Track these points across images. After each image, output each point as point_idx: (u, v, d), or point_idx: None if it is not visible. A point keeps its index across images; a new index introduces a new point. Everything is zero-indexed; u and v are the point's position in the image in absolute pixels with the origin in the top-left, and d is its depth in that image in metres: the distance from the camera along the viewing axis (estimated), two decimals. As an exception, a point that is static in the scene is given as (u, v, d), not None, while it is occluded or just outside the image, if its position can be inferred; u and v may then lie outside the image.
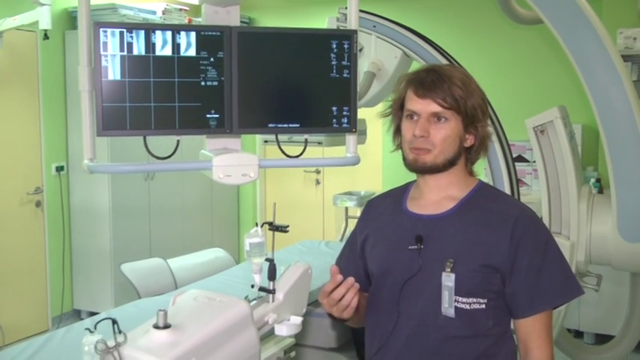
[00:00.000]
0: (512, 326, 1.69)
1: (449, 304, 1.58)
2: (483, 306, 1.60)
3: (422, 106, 1.61)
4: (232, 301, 1.64)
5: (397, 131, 1.70)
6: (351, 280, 1.59)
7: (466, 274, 1.58)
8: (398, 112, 1.69)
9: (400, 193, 1.77)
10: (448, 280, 1.58)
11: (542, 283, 1.60)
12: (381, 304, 1.69)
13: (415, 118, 1.62)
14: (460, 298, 1.58)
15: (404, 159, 1.67)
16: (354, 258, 1.81)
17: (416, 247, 1.63)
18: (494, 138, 2.86)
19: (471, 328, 1.60)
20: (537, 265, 1.60)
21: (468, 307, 1.59)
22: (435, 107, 1.60)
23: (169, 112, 1.61)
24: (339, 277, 1.59)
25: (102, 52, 1.56)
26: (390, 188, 1.86)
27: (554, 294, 1.62)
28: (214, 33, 1.63)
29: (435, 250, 1.62)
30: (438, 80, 1.60)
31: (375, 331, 1.72)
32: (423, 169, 1.64)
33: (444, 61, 2.96)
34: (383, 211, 1.77)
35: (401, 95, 1.67)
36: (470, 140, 1.65)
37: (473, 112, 1.61)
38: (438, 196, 1.68)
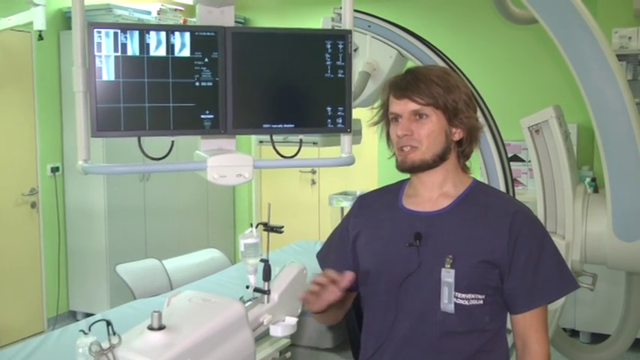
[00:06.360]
0: (508, 323, 1.69)
1: (448, 299, 1.59)
2: (481, 302, 1.61)
3: (401, 107, 1.63)
4: (227, 302, 1.64)
5: (389, 137, 1.71)
6: (349, 275, 1.59)
7: (465, 270, 1.59)
8: (385, 118, 1.71)
9: (395, 191, 1.77)
10: (448, 276, 1.59)
11: (539, 278, 1.62)
12: (379, 302, 1.69)
13: (398, 120, 1.64)
14: (459, 294, 1.59)
15: (396, 162, 1.68)
16: (344, 254, 1.79)
17: (414, 243, 1.63)
18: (489, 138, 2.87)
19: (469, 323, 1.61)
20: (535, 261, 1.61)
21: (466, 302, 1.60)
22: (413, 105, 1.61)
23: (164, 113, 1.61)
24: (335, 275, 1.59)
25: (96, 53, 1.56)
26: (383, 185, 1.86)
27: (552, 289, 1.64)
28: (209, 33, 1.63)
29: (433, 247, 1.62)
30: (413, 80, 1.63)
31: (372, 329, 1.72)
32: (412, 168, 1.65)
33: (438, 61, 2.96)
34: (377, 208, 1.77)
35: (384, 101, 1.70)
36: (458, 134, 1.66)
37: (454, 105, 1.62)
38: (433, 194, 1.68)
